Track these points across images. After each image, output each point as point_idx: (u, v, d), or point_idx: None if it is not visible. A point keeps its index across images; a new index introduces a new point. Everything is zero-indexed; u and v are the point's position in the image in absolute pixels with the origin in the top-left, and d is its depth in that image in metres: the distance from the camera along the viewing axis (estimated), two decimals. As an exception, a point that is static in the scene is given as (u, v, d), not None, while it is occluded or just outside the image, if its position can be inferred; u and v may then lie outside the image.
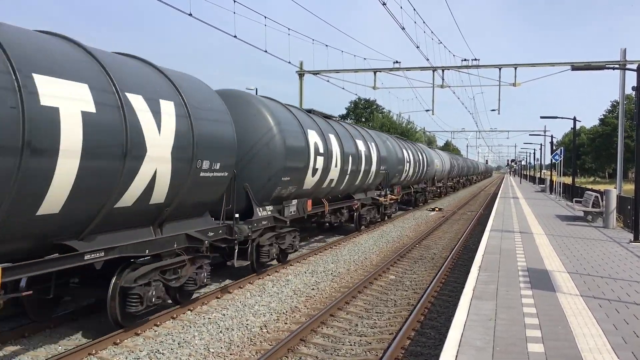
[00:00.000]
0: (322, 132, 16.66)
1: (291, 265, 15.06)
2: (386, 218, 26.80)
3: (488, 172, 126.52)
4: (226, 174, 11.00)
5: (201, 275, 10.47)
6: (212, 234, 10.82)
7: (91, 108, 7.54)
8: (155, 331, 9.23)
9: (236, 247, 11.88)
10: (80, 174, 7.33)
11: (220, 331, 9.32)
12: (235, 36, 17.14)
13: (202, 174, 10.07)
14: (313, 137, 15.68)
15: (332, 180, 17.47)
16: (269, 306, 10.96)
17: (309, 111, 17.82)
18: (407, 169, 30.88)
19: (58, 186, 7.08)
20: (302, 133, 14.96)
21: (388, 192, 25.27)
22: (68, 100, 7.18)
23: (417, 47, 25.13)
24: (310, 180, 15.63)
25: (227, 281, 12.96)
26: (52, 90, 6.98)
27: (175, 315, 9.99)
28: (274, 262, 14.59)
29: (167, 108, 9.17)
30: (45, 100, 6.83)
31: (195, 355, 8.22)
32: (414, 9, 23.44)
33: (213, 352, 8.36)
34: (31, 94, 6.65)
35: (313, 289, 12.54)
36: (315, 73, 32.60)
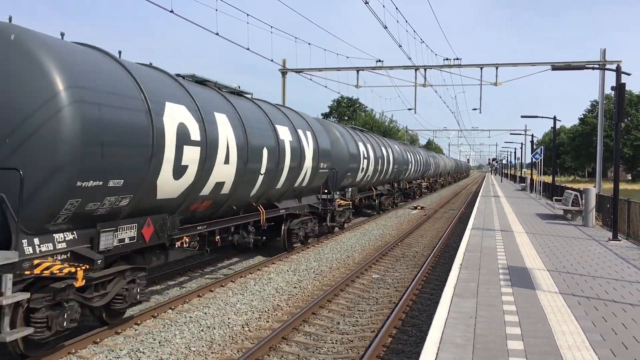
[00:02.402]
0: (198, 108, 10.58)
1: (273, 263, 15.03)
2: (336, 230, 21.36)
3: (460, 172, 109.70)
4: None
5: None
6: None
7: None
8: (135, 330, 9.16)
9: None
10: None
11: (202, 330, 9.28)
12: (217, 33, 17.10)
13: None
14: (175, 114, 9.68)
15: (221, 183, 11.52)
16: (251, 304, 10.93)
17: (180, 77, 11.53)
18: (365, 166, 25.10)
19: None
20: (142, 101, 8.86)
21: (337, 197, 19.83)
22: None
23: (400, 46, 25.28)
24: (170, 186, 9.68)
25: (208, 280, 12.91)
26: None
27: (156, 314, 9.92)
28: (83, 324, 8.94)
29: None
30: None
31: (176, 354, 8.18)
32: (397, 8, 23.54)
33: (194, 351, 8.32)
34: None
35: (295, 287, 12.54)
36: (298, 71, 32.57)
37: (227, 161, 11.49)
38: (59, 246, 7.57)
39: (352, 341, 9.04)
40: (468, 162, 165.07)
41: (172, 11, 13.75)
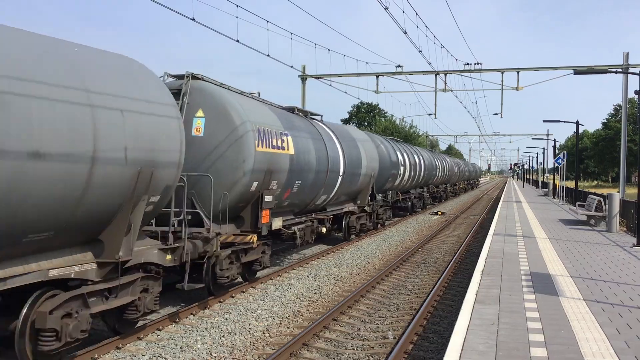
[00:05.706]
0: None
1: (293, 269, 15.05)
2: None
3: (457, 178, 59.66)
4: None
5: None
6: None
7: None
8: (157, 335, 9.22)
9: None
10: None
11: (223, 335, 9.32)
12: (237, 40, 17.19)
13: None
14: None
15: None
16: (272, 310, 10.95)
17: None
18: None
19: None
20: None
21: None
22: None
23: (420, 51, 25.17)
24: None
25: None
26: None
27: (177, 320, 9.99)
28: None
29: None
30: None
31: (198, 359, 8.22)
32: (416, 13, 23.46)
33: (215, 357, 8.36)
34: None
35: (315, 293, 12.53)
36: (318, 77, 32.64)
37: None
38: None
39: (372, 347, 9.01)
40: (489, 167, 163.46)
41: (193, 19, 13.87)
